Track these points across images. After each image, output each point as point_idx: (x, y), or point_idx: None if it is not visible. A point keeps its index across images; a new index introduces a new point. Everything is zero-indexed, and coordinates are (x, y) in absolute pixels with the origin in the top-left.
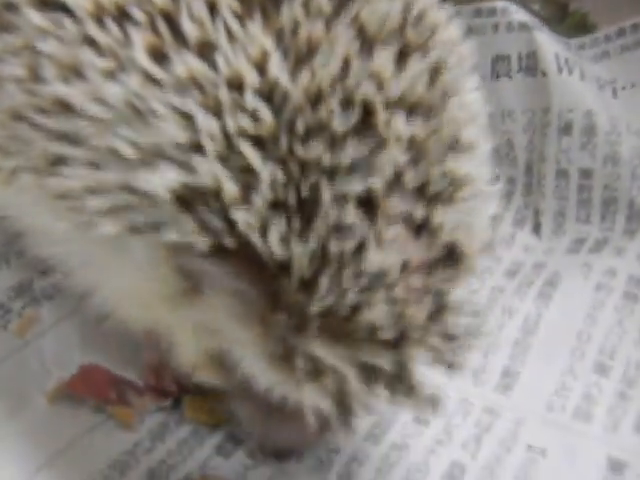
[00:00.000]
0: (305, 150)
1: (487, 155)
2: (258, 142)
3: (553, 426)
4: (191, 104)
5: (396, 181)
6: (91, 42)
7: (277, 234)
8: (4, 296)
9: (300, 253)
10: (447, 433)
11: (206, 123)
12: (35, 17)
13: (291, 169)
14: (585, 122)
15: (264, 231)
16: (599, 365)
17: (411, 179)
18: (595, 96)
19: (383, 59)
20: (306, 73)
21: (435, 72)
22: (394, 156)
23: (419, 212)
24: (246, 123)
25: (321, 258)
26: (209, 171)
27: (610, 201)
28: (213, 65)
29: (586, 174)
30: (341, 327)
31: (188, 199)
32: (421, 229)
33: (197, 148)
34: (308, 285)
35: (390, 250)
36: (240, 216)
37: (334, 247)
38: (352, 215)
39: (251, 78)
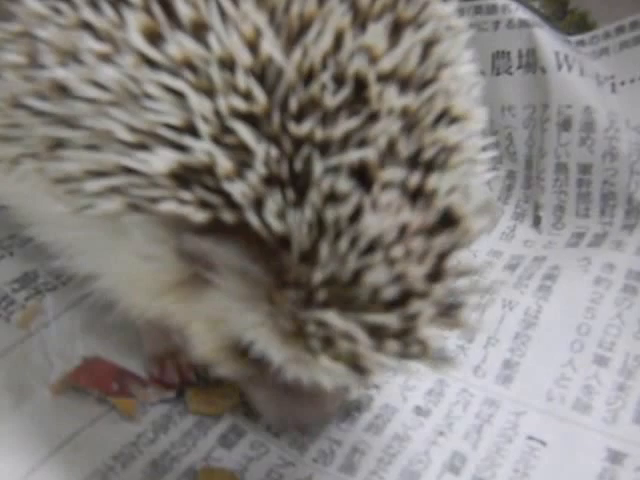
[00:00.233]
0: (298, 126)
1: (480, 124)
2: (251, 121)
3: (553, 417)
4: (184, 85)
5: (389, 151)
6: (87, 26)
7: (273, 208)
8: (8, 288)
9: (297, 224)
10: (448, 424)
11: (199, 104)
12: (33, 4)
13: (284, 145)
14: (584, 118)
15: (260, 206)
16: (598, 357)
17: (404, 148)
18: (594, 92)
19: (376, 33)
20: (299, 50)
21: (428, 45)
22: (387, 127)
23: (413, 179)
24: (239, 102)
25: (318, 227)
26: (203, 150)
27: (609, 196)
28: (206, 45)
29: (585, 169)
30: (346, 292)
31: (185, 176)
32: (416, 195)
33: (191, 129)
34: (309, 256)
35: (386, 214)
36: (235, 188)
37: (330, 215)
38: (346, 184)
39: (244, 57)
